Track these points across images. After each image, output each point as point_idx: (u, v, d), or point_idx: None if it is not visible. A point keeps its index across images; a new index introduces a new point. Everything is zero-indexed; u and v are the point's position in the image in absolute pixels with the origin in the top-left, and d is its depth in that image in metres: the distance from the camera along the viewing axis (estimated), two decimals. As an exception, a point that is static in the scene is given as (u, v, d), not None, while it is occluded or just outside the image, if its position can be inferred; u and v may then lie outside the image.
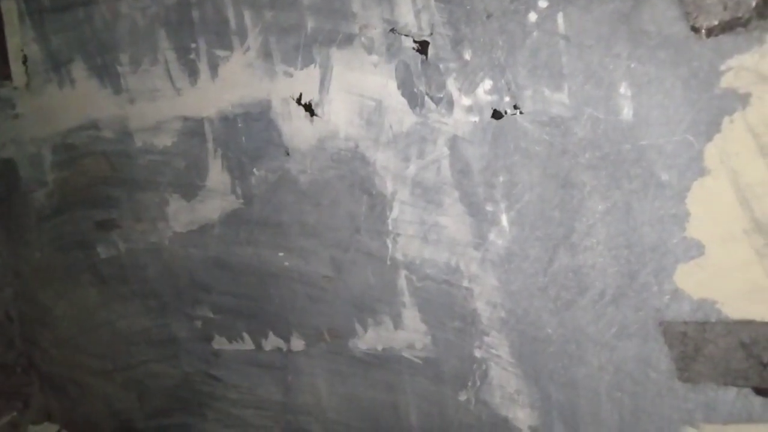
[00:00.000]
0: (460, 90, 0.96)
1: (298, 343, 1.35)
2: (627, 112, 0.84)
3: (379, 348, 1.23)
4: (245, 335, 1.43)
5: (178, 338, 1.55)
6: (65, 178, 1.64)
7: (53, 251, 1.72)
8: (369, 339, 1.24)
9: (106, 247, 1.60)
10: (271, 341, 1.40)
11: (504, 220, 0.99)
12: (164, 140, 1.37)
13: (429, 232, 1.08)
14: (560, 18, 0.85)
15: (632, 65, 0.82)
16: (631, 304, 0.92)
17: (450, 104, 0.98)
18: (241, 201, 1.31)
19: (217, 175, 1.32)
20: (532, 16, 0.87)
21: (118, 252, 1.58)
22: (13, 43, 1.54)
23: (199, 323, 1.50)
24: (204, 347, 1.51)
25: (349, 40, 1.05)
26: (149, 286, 1.57)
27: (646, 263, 0.89)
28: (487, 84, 0.94)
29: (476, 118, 0.96)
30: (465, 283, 1.07)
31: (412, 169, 1.06)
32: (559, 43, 0.86)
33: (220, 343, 1.48)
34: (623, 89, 0.84)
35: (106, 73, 1.40)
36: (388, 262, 1.15)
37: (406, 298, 1.15)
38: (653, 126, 0.84)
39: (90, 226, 1.62)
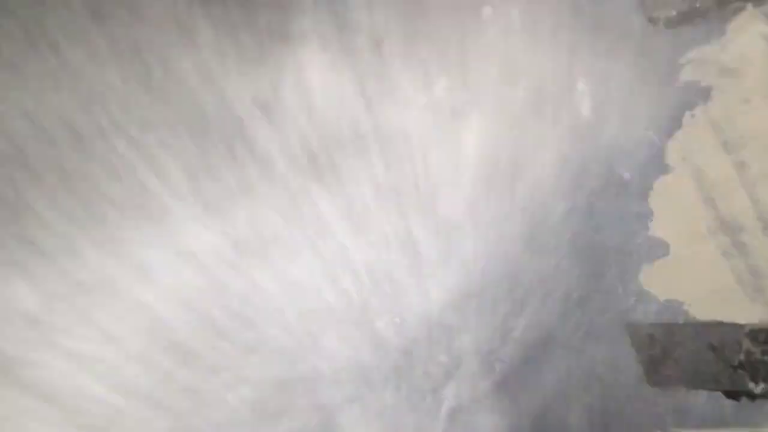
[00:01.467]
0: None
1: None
2: (585, 108, 0.81)
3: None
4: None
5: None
6: None
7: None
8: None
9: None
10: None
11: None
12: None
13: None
14: (515, 12, 0.81)
15: (589, 60, 0.79)
16: (596, 307, 0.89)
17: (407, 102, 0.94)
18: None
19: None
20: (487, 10, 0.83)
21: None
22: None
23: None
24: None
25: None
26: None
27: (611, 264, 0.86)
28: (443, 81, 0.90)
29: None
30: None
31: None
32: (515, 38, 0.82)
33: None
34: (581, 85, 0.80)
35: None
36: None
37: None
38: (613, 123, 0.80)
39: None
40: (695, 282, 0.82)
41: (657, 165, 0.79)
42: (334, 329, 0.85)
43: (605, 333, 0.90)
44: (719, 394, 0.85)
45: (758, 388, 0.81)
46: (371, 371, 0.90)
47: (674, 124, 0.76)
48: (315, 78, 0.96)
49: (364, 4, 0.91)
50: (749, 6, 0.70)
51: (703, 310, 0.82)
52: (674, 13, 0.73)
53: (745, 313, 0.80)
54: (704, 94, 0.74)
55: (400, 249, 0.90)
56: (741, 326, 0.81)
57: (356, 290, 0.85)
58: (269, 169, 0.74)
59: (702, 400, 0.86)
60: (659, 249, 0.82)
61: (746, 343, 0.81)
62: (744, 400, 0.83)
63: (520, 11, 0.82)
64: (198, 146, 0.69)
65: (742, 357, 0.82)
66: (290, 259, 0.78)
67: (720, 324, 0.82)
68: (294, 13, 0.79)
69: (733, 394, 0.84)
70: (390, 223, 1.04)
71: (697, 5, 0.71)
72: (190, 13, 0.65)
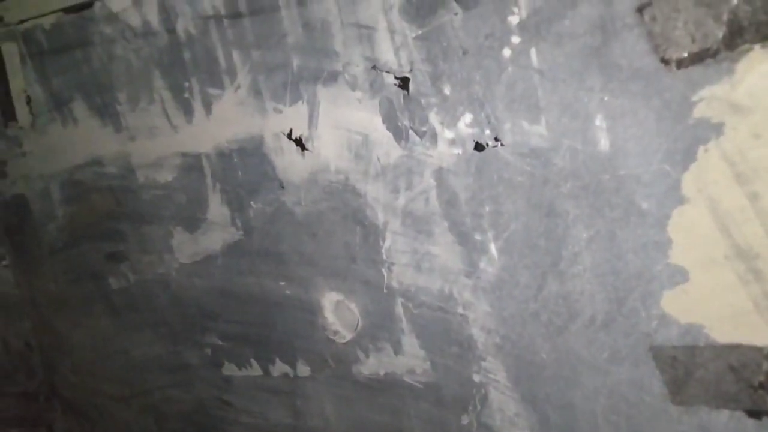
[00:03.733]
0: (442, 123, 0.98)
1: (303, 369, 1.38)
2: (604, 143, 0.85)
3: (382, 373, 1.24)
4: (253, 361, 1.46)
5: (190, 365, 1.59)
6: (74, 213, 1.68)
7: (67, 283, 1.76)
8: (371, 365, 1.26)
9: (116, 279, 1.63)
10: (278, 367, 1.42)
11: (493, 248, 1.00)
12: (165, 175, 1.40)
13: (422, 261, 1.10)
14: (533, 53, 0.86)
15: (606, 98, 0.83)
16: (620, 330, 0.93)
17: (434, 137, 0.99)
18: (241, 233, 1.33)
19: (217, 208, 1.35)
20: (506, 52, 0.88)
21: (128, 283, 1.62)
22: (16, 84, 1.58)
23: (208, 350, 1.53)
24: (215, 373, 1.53)
25: (333, 77, 1.07)
26: (159, 315, 1.60)
27: (633, 289, 0.90)
28: (468, 117, 0.95)
29: (459, 150, 0.98)
30: (459, 310, 1.08)
31: (401, 200, 1.08)
32: (534, 78, 0.87)
33: (230, 369, 1.50)
34: (599, 121, 0.84)
35: (106, 112, 1.43)
36: (385, 290, 1.17)
37: (404, 325, 1.17)
38: (630, 156, 0.84)
39: (100, 258, 1.66)
40: (714, 306, 0.85)
41: (674, 196, 0.82)
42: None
43: (630, 355, 0.93)
44: (741, 413, 0.88)
45: (779, 407, 0.85)
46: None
47: (689, 157, 0.80)
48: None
49: (389, 47, 0.97)
50: (757, 47, 0.74)
51: (723, 333, 0.86)
52: (685, 54, 0.77)
53: (764, 336, 0.83)
54: (717, 129, 0.78)
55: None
56: (760, 348, 0.84)
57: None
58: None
59: (724, 419, 0.89)
60: (679, 275, 0.86)
61: (765, 365, 0.84)
62: (765, 419, 0.86)
63: (538, 52, 0.87)
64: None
65: (762, 378, 0.85)
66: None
67: (739, 346, 0.85)
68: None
69: (754, 413, 0.87)
70: (416, 242, 1.09)
71: (707, 47, 0.75)
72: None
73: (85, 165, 1.55)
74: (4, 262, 1.90)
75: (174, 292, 1.54)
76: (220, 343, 1.50)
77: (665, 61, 0.78)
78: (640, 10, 0.78)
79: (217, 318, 1.49)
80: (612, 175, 0.86)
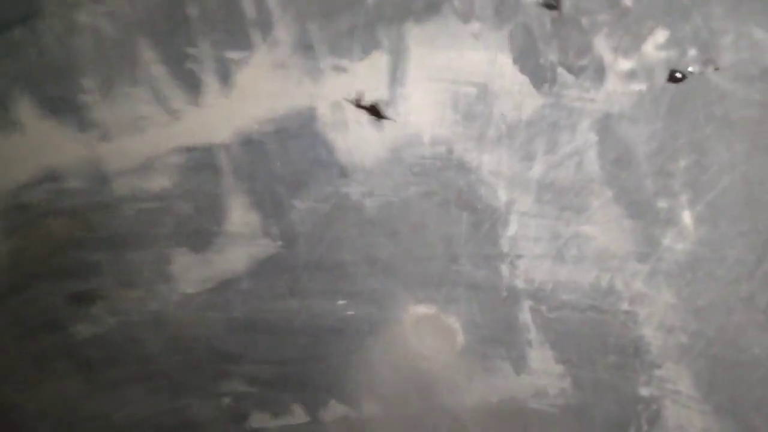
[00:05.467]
0: (616, 50, 0.70)
1: (372, 408, 1.07)
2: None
3: (494, 400, 0.96)
4: (295, 407, 1.14)
5: (199, 423, 1.25)
6: (21, 248, 1.29)
7: (13, 338, 1.37)
8: (476, 391, 0.97)
9: (86, 325, 1.26)
10: (333, 410, 1.11)
11: (686, 217, 0.74)
12: (160, 181, 1.05)
13: (566, 248, 0.82)
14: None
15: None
16: None
17: (599, 72, 0.72)
18: (279, 244, 1.01)
19: (240, 216, 1.02)
20: (736, -69, 0.61)
21: (105, 328, 1.25)
22: (-75, 85, 1.18)
23: (227, 400, 1.20)
24: (237, 428, 1.21)
25: (433, 7, 0.77)
26: (151, 366, 1.25)
27: None
28: (660, 36, 0.68)
29: (642, 86, 0.71)
30: (624, 307, 0.82)
31: (537, 169, 0.80)
32: (780, -36, 0.61)
33: (260, 420, 1.18)
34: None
35: (64, 106, 1.06)
36: (504, 293, 0.88)
37: (533, 335, 0.89)
38: None
39: (61, 301, 1.28)
40: None
41: None
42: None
43: None
44: None
45: None
46: None
47: None
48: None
49: None
50: None
51: None
52: None
53: None
54: None
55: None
56: None
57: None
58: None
59: None
60: None
61: None
62: None
63: None
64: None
65: None
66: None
67: None
68: None
69: None
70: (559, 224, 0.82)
71: None
72: None
73: (35, 183, 1.17)
74: None
75: (173, 333, 1.20)
76: (245, 389, 1.17)
77: None
78: None
79: (240, 359, 1.16)
80: None
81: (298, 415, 1.14)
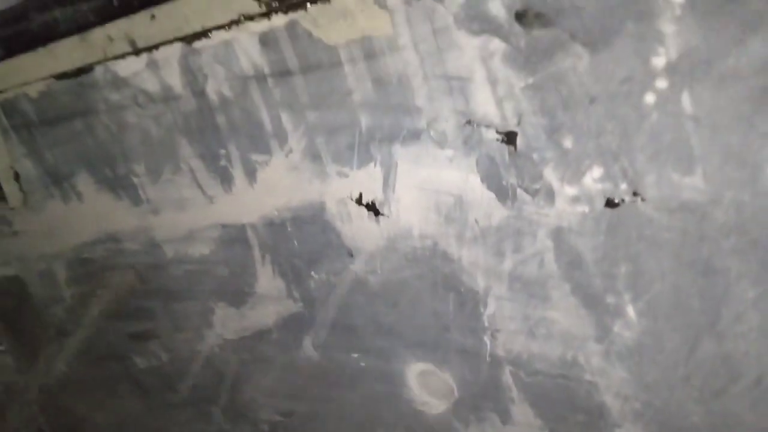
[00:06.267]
0: (561, 180, 0.84)
1: (384, 444, 1.24)
2: (779, 192, 0.73)
3: (486, 444, 1.12)
4: (321, 438, 1.32)
5: (242, 444, 1.44)
6: (86, 293, 1.51)
7: (83, 364, 1.60)
8: (471, 435, 1.13)
9: (144, 358, 1.47)
10: (353, 444, 1.29)
11: (630, 311, 0.88)
12: (200, 249, 1.24)
13: (536, 327, 0.97)
14: (686, 98, 0.73)
15: (785, 142, 0.70)
16: (793, 392, 0.82)
17: (550, 195, 0.86)
18: (301, 305, 1.18)
19: (268, 281, 1.20)
20: (649, 98, 0.74)
21: (159, 361, 1.46)
22: (1, 162, 1.39)
23: (265, 427, 1.39)
24: (275, 451, 1.40)
25: (415, 135, 0.92)
26: (200, 393, 1.45)
27: (812, 347, 0.78)
28: (597, 172, 0.81)
29: (585, 208, 0.84)
30: (587, 377, 0.96)
31: (507, 263, 0.94)
32: (687, 125, 0.74)
33: (291, 446, 1.37)
34: (774, 168, 0.72)
35: (118, 185, 1.25)
36: (488, 359, 1.04)
37: (514, 394, 1.04)
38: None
39: (122, 338, 1.50)
40: None
41: None
42: None
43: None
44: None
45: None
46: None
47: None
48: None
49: (489, 99, 0.83)
50: None
51: None
52: None
53: None
54: None
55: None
56: None
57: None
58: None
59: None
60: None
61: None
62: None
63: (692, 97, 0.73)
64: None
65: None
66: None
67: None
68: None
69: None
70: (528, 308, 0.96)
71: None
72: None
73: (96, 242, 1.38)
74: (0, 348, 1.73)
75: (217, 369, 1.39)
76: (280, 419, 1.35)
77: None
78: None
79: (275, 394, 1.34)
80: (788, 224, 0.73)
81: (323, 445, 1.32)
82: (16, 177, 1.41)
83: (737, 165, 0.74)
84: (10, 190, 1.44)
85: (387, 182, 0.98)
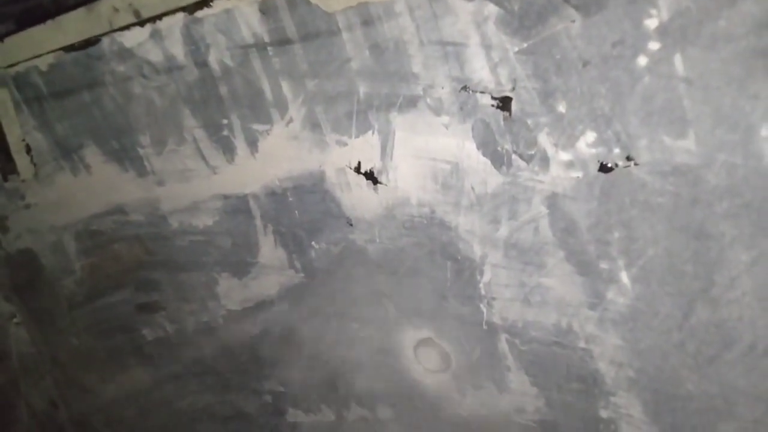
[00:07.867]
0: (556, 145, 0.84)
1: (385, 412, 1.26)
2: (772, 155, 0.73)
3: (483, 413, 1.12)
4: (323, 407, 1.33)
5: (246, 413, 1.46)
6: (95, 265, 1.53)
7: (92, 337, 1.62)
8: (469, 404, 1.14)
9: (151, 329, 1.49)
10: (354, 411, 1.30)
11: (624, 277, 0.88)
12: (204, 220, 1.25)
13: (531, 294, 0.97)
14: (678, 60, 0.73)
15: (776, 104, 0.70)
16: (785, 357, 0.82)
17: (544, 160, 0.86)
18: (302, 275, 1.19)
19: (270, 251, 1.21)
20: (642, 60, 0.74)
21: (166, 333, 1.48)
22: (13, 134, 1.41)
23: (269, 397, 1.41)
24: (279, 421, 1.41)
25: (411, 102, 0.93)
26: (205, 364, 1.47)
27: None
28: (590, 136, 0.82)
29: (579, 174, 0.85)
30: (581, 344, 0.97)
31: (503, 231, 0.95)
32: (679, 87, 0.74)
33: (296, 415, 1.38)
34: (765, 131, 0.72)
35: (125, 156, 1.27)
36: (484, 327, 1.04)
37: (510, 362, 1.05)
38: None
39: (130, 309, 1.52)
40: None
41: None
42: None
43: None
44: None
45: None
46: None
47: None
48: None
49: (484, 65, 0.83)
50: None
51: None
52: None
53: None
54: None
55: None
56: None
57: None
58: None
59: None
60: None
61: None
62: None
63: (684, 59, 0.73)
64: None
65: None
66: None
67: None
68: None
69: None
70: (523, 275, 0.97)
71: None
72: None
73: (104, 214, 1.40)
74: (15, 320, 1.76)
75: (222, 340, 1.41)
76: (282, 389, 1.37)
77: None
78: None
79: (277, 364, 1.36)
80: (781, 191, 0.73)
81: (326, 414, 1.34)
82: (28, 150, 1.43)
83: (729, 127, 0.74)
84: (22, 162, 1.46)
85: (385, 150, 0.98)
